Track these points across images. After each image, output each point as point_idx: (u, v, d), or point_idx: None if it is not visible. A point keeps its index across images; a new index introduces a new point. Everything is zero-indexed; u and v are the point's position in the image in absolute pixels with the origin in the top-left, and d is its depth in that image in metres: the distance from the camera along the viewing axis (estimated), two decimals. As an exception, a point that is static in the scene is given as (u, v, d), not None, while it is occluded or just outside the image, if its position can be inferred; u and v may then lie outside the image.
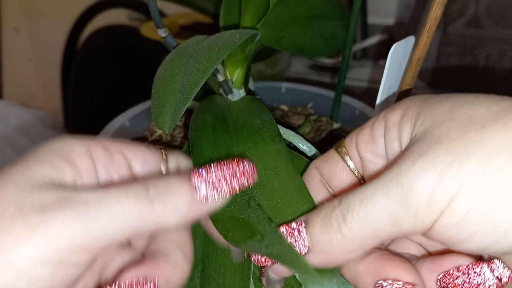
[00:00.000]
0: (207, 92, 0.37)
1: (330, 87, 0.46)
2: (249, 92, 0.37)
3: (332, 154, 0.25)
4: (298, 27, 0.37)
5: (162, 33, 0.31)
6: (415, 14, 0.73)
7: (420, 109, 0.21)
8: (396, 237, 0.23)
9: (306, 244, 0.20)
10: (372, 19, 0.78)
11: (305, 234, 0.20)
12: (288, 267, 0.20)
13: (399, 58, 0.32)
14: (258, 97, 0.35)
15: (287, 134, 0.32)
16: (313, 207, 0.23)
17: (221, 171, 0.21)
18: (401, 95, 0.32)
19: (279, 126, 0.33)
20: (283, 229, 0.21)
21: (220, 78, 0.32)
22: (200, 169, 0.21)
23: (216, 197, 0.21)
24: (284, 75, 0.70)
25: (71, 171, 0.20)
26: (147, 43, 0.75)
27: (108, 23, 0.98)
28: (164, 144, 0.41)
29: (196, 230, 0.26)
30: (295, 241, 0.20)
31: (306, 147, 0.31)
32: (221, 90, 0.34)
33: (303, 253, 0.20)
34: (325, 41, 0.39)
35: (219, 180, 0.21)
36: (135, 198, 0.19)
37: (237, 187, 0.21)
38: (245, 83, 0.36)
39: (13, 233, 0.17)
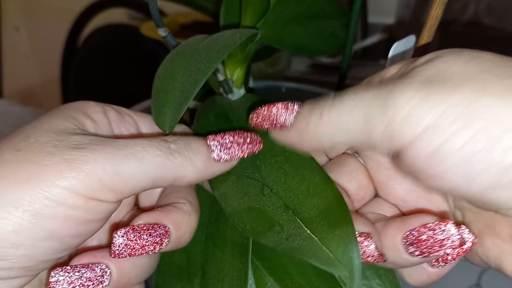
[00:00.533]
0: (208, 92, 0.37)
1: (330, 87, 0.46)
2: (249, 91, 0.37)
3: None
4: (298, 26, 0.37)
5: (162, 32, 0.31)
6: (415, 13, 0.73)
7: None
8: (365, 149, 0.24)
9: (292, 118, 0.23)
10: (372, 18, 0.77)
11: (295, 111, 0.23)
12: (310, 261, 0.21)
13: (400, 57, 0.32)
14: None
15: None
16: (325, 178, 0.23)
17: (233, 137, 0.23)
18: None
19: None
20: (281, 104, 0.23)
21: (220, 77, 0.32)
22: (215, 134, 0.24)
23: (228, 158, 0.23)
24: (284, 74, 0.70)
25: (92, 125, 0.22)
26: (147, 42, 0.75)
27: (108, 22, 0.98)
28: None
29: (196, 237, 0.26)
30: (286, 113, 0.23)
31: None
32: (221, 90, 0.34)
33: (288, 125, 0.23)
34: (326, 40, 0.39)
35: (231, 143, 0.23)
36: (158, 148, 0.21)
37: (246, 151, 0.24)
38: (245, 83, 0.36)
39: (52, 166, 0.19)
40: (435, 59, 0.19)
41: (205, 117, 0.30)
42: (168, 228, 0.22)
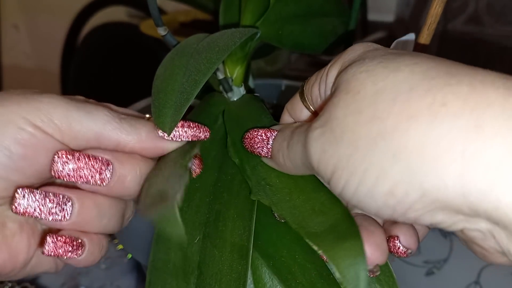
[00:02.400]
0: (207, 89, 0.37)
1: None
2: (249, 90, 0.37)
3: (296, 96, 0.28)
4: (298, 24, 0.37)
5: (161, 31, 0.31)
6: (415, 11, 0.72)
7: (354, 60, 0.22)
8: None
9: (269, 151, 0.25)
10: (372, 16, 0.77)
11: (270, 144, 0.25)
12: None
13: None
14: (257, 94, 0.35)
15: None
16: (331, 198, 0.23)
17: (182, 122, 0.26)
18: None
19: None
20: (261, 132, 0.26)
21: (220, 76, 0.32)
22: None
23: (172, 137, 0.25)
24: (284, 72, 0.70)
25: None
26: (147, 40, 0.75)
27: (108, 20, 0.98)
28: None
29: (193, 237, 0.26)
30: (265, 145, 0.26)
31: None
32: (221, 88, 0.34)
33: (268, 156, 0.26)
34: (325, 38, 0.39)
35: (178, 126, 0.25)
36: (109, 111, 0.24)
37: (190, 135, 0.26)
38: (245, 81, 0.36)
39: (13, 99, 0.23)
40: (336, 93, 0.21)
41: (201, 118, 0.30)
42: (110, 161, 0.24)
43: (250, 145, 0.26)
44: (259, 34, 0.33)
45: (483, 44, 0.64)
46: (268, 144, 0.25)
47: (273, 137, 0.25)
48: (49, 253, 0.23)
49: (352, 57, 0.22)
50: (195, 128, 0.26)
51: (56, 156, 0.23)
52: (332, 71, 0.24)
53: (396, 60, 0.20)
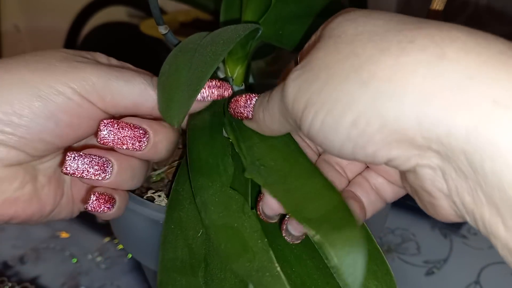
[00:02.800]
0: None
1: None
2: (249, 89, 0.37)
3: (291, 64, 0.30)
4: (298, 24, 0.37)
5: (162, 30, 0.31)
6: (415, 11, 0.72)
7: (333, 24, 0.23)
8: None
9: (251, 111, 0.26)
10: (372, 16, 0.77)
11: (251, 106, 0.26)
12: None
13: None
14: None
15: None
16: (327, 184, 0.23)
17: (208, 83, 0.27)
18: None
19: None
20: (245, 95, 0.26)
21: (221, 75, 0.32)
22: None
23: (200, 98, 0.27)
24: (284, 72, 0.70)
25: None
26: (147, 40, 0.75)
27: (108, 20, 0.98)
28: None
29: (196, 231, 0.26)
30: (248, 106, 0.26)
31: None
32: None
33: (249, 117, 0.26)
34: (325, 38, 0.39)
35: (205, 87, 0.27)
36: (144, 78, 0.27)
37: (216, 94, 0.28)
38: (246, 81, 0.36)
39: (59, 67, 0.25)
40: (317, 43, 0.22)
41: (201, 115, 0.30)
42: (147, 130, 0.26)
43: (234, 109, 0.27)
44: (261, 31, 0.33)
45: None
46: (250, 104, 0.26)
47: (255, 98, 0.26)
48: (92, 208, 0.27)
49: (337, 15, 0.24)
50: (220, 88, 0.28)
51: (102, 125, 0.25)
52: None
53: (378, 12, 0.22)
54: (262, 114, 0.25)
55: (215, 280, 0.24)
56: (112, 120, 0.26)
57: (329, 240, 0.20)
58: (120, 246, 0.50)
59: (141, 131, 0.26)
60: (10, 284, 0.45)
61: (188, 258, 0.26)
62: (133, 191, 0.33)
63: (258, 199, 0.25)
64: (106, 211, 0.27)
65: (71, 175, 0.26)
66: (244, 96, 0.26)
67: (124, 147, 0.26)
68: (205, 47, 0.27)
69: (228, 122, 0.29)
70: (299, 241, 0.25)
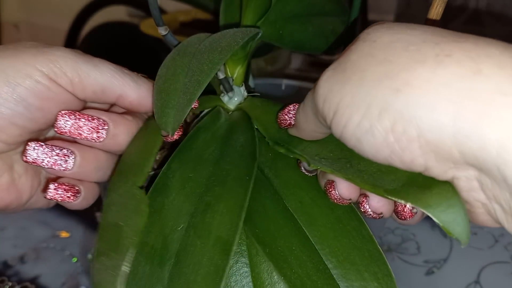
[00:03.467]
0: (207, 89, 0.37)
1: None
2: (249, 90, 0.37)
3: None
4: (298, 24, 0.37)
5: (162, 31, 0.31)
6: (415, 11, 0.72)
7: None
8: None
9: (293, 120, 0.27)
10: (372, 16, 0.77)
11: (293, 114, 0.27)
12: None
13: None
14: (257, 94, 0.35)
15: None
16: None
17: None
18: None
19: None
20: (290, 106, 0.27)
21: (221, 75, 0.32)
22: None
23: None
24: (284, 72, 0.70)
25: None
26: (147, 40, 0.75)
27: (108, 19, 0.98)
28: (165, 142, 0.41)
29: (177, 224, 0.25)
30: (292, 115, 0.27)
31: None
32: (221, 88, 0.34)
33: (292, 123, 0.27)
34: (326, 38, 0.39)
35: None
36: (113, 65, 0.28)
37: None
38: (246, 80, 0.36)
39: (28, 52, 0.25)
40: (348, 48, 0.22)
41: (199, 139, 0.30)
42: (106, 122, 0.27)
43: (280, 118, 0.28)
44: (260, 34, 0.33)
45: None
46: (293, 111, 0.27)
47: (296, 107, 0.27)
48: (50, 197, 0.27)
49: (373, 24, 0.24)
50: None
51: (59, 115, 0.26)
52: None
53: (413, 24, 0.21)
54: (299, 117, 0.26)
55: (183, 279, 0.23)
56: (69, 111, 0.26)
57: (422, 203, 0.20)
58: (120, 246, 0.50)
59: (99, 122, 0.27)
60: (10, 284, 0.45)
61: (159, 247, 0.25)
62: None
63: (328, 185, 0.25)
64: (68, 200, 0.27)
65: (31, 163, 0.26)
66: (289, 106, 0.28)
67: (81, 137, 0.27)
68: (203, 53, 0.27)
69: (273, 143, 0.29)
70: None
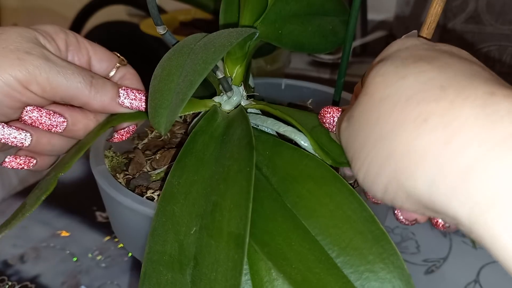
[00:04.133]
0: (206, 87, 0.37)
1: (330, 83, 0.46)
2: (250, 96, 0.37)
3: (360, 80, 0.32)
4: (298, 23, 0.37)
5: (160, 30, 0.31)
6: (415, 10, 0.72)
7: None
8: None
9: (334, 124, 0.30)
10: (372, 15, 0.77)
11: (333, 122, 0.30)
12: None
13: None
14: (256, 94, 0.35)
15: (288, 131, 0.32)
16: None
17: (138, 94, 0.33)
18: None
19: (279, 123, 0.33)
20: (328, 109, 0.30)
21: (220, 75, 0.32)
22: (127, 88, 0.33)
23: (128, 106, 0.33)
24: (284, 72, 0.70)
25: (52, 46, 0.31)
26: (147, 39, 0.75)
27: (108, 19, 0.98)
28: (165, 141, 0.41)
29: (189, 228, 0.26)
30: (329, 122, 0.30)
31: (307, 144, 0.31)
32: (220, 87, 0.34)
33: (331, 128, 0.30)
34: (325, 38, 0.39)
35: (135, 98, 0.33)
36: (83, 78, 0.31)
37: (144, 106, 0.33)
38: (245, 80, 0.36)
39: (8, 58, 0.28)
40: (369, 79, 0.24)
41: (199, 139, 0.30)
42: (66, 119, 0.31)
43: (321, 119, 0.31)
44: (257, 34, 0.33)
45: (483, 43, 0.64)
46: (333, 120, 0.30)
47: (338, 114, 0.30)
48: (7, 165, 0.32)
49: (386, 54, 0.26)
50: (143, 103, 0.33)
51: (24, 110, 0.30)
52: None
53: (410, 66, 0.22)
54: (334, 135, 0.30)
55: (204, 280, 0.24)
56: (34, 107, 0.30)
57: None
58: (121, 245, 0.50)
59: (59, 119, 0.31)
60: (10, 283, 0.45)
61: (177, 254, 0.25)
62: (133, 190, 0.33)
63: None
64: (23, 168, 0.33)
65: None
66: (330, 111, 0.30)
67: (42, 128, 0.31)
68: (196, 53, 0.27)
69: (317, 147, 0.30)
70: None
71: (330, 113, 0.30)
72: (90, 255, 0.49)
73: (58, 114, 0.31)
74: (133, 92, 0.33)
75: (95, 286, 0.45)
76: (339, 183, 0.27)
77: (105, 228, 0.52)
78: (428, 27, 0.30)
